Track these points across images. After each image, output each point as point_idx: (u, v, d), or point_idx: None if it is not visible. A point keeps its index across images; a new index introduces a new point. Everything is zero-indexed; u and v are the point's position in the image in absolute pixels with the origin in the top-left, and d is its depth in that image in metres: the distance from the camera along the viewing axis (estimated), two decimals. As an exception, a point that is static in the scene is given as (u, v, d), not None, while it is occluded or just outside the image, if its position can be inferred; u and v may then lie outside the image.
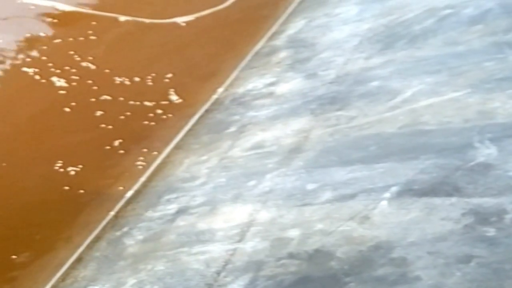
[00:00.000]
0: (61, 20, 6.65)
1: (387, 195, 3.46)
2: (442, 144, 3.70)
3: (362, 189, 3.60)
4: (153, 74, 5.93)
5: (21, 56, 6.13)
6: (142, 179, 4.82)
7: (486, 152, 3.47)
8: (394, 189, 3.48)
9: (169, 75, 5.91)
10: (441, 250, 2.93)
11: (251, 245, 3.58)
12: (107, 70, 6.02)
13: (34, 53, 6.17)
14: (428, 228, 3.10)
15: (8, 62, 6.04)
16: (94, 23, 6.61)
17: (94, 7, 6.80)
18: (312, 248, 3.31)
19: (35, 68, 6.00)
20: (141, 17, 6.69)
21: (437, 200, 3.26)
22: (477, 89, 4.09)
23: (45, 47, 6.24)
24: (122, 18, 6.63)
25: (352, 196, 3.57)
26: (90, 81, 5.86)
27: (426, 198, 3.31)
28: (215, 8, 6.78)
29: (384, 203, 3.41)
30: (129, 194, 4.70)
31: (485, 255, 2.81)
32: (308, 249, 3.32)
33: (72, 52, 6.22)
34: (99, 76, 5.92)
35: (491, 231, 2.92)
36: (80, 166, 5.00)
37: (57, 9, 6.79)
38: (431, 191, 3.35)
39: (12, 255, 4.36)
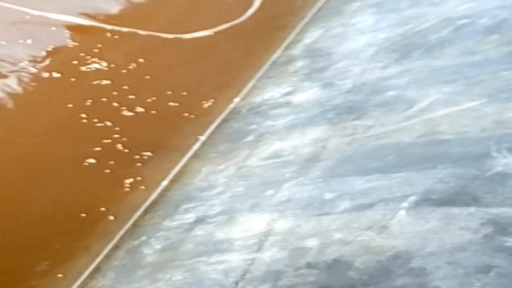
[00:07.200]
0: (77, 35, 6.70)
1: (405, 204, 3.46)
2: (459, 153, 3.69)
3: (380, 198, 3.60)
4: (170, 85, 5.96)
5: (36, 69, 6.17)
6: (159, 188, 4.85)
7: (504, 162, 3.46)
8: (412, 198, 3.48)
9: (186, 85, 5.93)
10: (460, 260, 2.93)
11: (269, 255, 3.59)
12: (124, 81, 6.06)
13: (43, 67, 6.22)
14: (447, 238, 3.10)
15: (24, 73, 6.09)
16: (114, 37, 6.66)
17: (113, 22, 6.86)
18: (331, 258, 3.32)
19: (48, 81, 6.06)
20: (159, 31, 6.75)
21: (455, 210, 3.25)
22: (493, 98, 4.08)
23: (58, 63, 6.29)
24: (140, 33, 6.69)
25: (370, 206, 3.57)
26: (107, 92, 5.90)
27: (444, 207, 3.31)
28: (233, 22, 6.81)
29: (402, 212, 3.41)
30: (146, 203, 4.72)
31: (504, 265, 2.81)
32: (326, 259, 3.33)
33: (90, 65, 6.27)
34: (115, 87, 5.96)
35: (510, 241, 2.91)
36: (97, 175, 5.03)
37: (72, 23, 6.84)
38: (449, 200, 3.34)
39: (32, 264, 4.40)
